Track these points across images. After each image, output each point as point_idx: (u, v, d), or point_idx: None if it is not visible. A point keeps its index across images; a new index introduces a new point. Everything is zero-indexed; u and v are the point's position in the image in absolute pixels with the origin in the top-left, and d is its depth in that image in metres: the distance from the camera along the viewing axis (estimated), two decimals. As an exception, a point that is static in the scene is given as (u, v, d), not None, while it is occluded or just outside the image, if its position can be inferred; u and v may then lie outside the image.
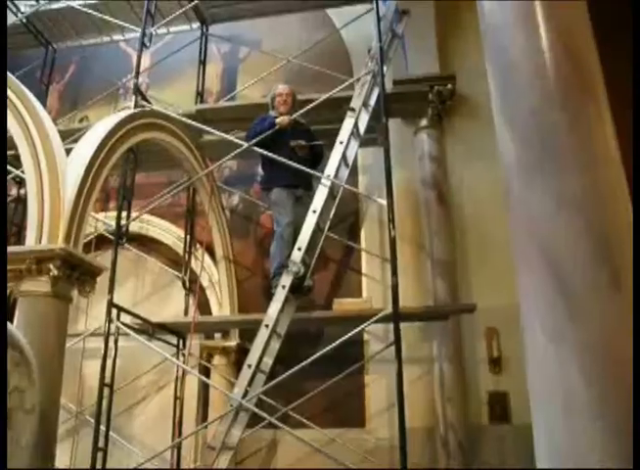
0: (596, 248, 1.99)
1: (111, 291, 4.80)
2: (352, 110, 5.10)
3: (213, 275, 6.30)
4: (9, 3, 7.03)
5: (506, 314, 4.99)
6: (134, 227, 6.21)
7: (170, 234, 6.78)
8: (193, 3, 6.47)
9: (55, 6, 6.93)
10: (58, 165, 4.16)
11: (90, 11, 6.59)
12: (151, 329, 5.52)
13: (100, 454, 4.48)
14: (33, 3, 7.13)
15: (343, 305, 5.16)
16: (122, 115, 4.83)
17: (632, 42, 3.13)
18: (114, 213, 6.00)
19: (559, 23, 2.36)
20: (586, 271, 1.97)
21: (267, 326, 4.49)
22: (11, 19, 6.91)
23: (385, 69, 5.12)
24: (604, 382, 1.84)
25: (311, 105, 5.09)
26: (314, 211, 4.71)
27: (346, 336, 4.39)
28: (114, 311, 4.83)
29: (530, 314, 2.12)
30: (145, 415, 6.27)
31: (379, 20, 5.27)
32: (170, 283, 6.58)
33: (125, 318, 5.09)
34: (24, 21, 7.11)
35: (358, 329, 4.48)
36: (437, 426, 5.40)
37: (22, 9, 7.16)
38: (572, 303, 1.96)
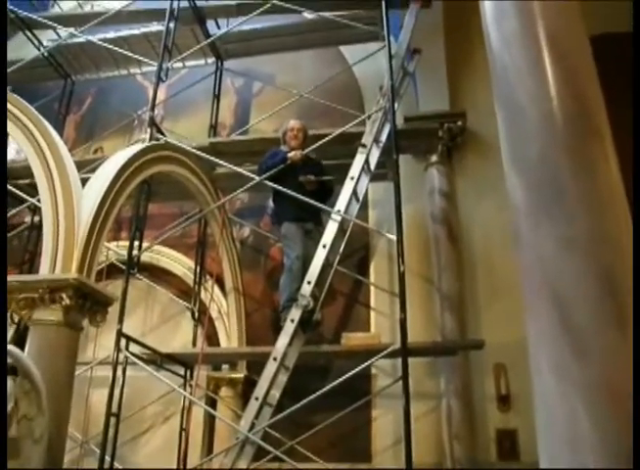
0: (601, 288, 2.03)
1: (120, 320, 4.82)
2: (364, 146, 5.16)
3: (222, 307, 6.31)
4: (31, 36, 7.25)
5: (515, 351, 4.97)
6: (145, 257, 6.25)
7: (181, 265, 6.83)
8: (209, 39, 6.64)
9: (76, 40, 7.12)
10: (73, 196, 4.24)
11: (109, 46, 6.74)
12: (159, 359, 5.53)
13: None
14: (55, 37, 7.33)
15: (352, 339, 5.16)
16: (138, 147, 4.93)
17: (632, 44, 3.17)
18: (125, 243, 6.09)
19: (567, 69, 2.43)
20: (592, 311, 2.01)
21: (275, 359, 4.50)
22: (33, 52, 7.11)
23: (396, 106, 5.21)
24: (610, 420, 1.86)
25: (324, 140, 5.15)
26: (324, 246, 4.74)
27: (354, 370, 4.39)
28: (124, 341, 4.86)
29: (538, 352, 2.15)
30: (150, 446, 6.25)
31: (391, 58, 5.36)
32: (179, 313, 6.62)
33: (134, 348, 5.11)
34: (46, 54, 7.29)
35: (366, 364, 4.48)
36: (445, 463, 5.35)
37: (45, 43, 7.37)
38: (579, 341, 1.99)
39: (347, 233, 4.90)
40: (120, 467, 5.25)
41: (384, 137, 5.26)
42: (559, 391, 1.99)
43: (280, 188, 4.99)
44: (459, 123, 6.27)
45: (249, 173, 5.20)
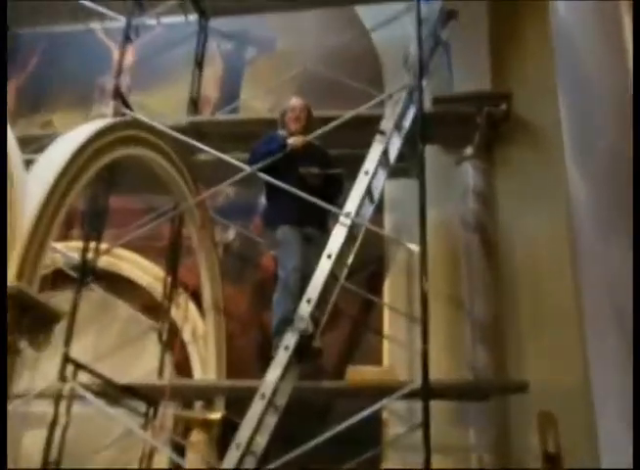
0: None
1: (67, 342, 4.82)
2: (382, 133, 5.18)
3: (198, 328, 6.33)
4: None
5: (567, 395, 4.97)
6: (102, 263, 6.18)
7: (147, 274, 6.84)
8: (191, -10, 6.67)
9: (17, -19, 7.09)
10: (14, 181, 4.22)
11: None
12: (115, 392, 5.50)
13: None
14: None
15: (360, 374, 5.18)
16: (99, 124, 4.93)
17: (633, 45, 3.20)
18: (77, 244, 6.05)
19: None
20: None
21: (263, 396, 4.48)
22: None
23: (424, 83, 5.21)
24: None
25: (332, 124, 5.17)
26: (329, 256, 4.75)
27: (361, 414, 4.38)
28: (70, 368, 4.85)
29: (604, 393, 2.13)
30: (101, 502, 6.23)
31: (420, 22, 5.38)
32: (143, 335, 6.58)
33: (83, 377, 5.09)
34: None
35: (377, 406, 4.48)
36: None
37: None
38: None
39: (358, 241, 4.92)
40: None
41: (407, 123, 5.30)
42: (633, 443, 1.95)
43: (276, 182, 5.00)
44: (502, 107, 6.27)
45: (237, 162, 5.20)
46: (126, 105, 5.62)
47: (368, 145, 5.19)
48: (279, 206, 5.23)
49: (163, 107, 7.06)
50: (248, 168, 5.12)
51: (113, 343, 6.71)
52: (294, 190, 4.93)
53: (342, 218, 4.89)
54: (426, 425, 4.14)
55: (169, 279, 6.47)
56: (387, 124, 5.24)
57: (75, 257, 5.56)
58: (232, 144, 5.98)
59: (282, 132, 5.41)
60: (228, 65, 7.82)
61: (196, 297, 6.34)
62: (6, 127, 4.29)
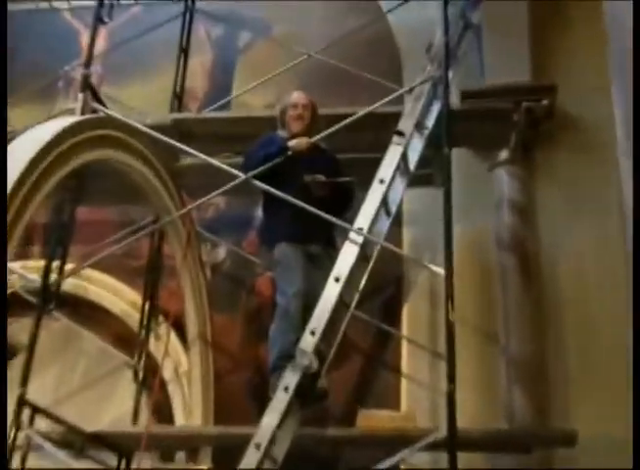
0: None
1: (24, 381, 4.81)
2: (400, 134, 5.16)
3: (181, 364, 6.31)
4: None
5: (621, 448, 4.91)
6: (66, 285, 6.23)
7: (121, 299, 6.86)
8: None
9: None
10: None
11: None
12: (80, 442, 5.48)
13: None
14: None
15: (374, 419, 5.17)
16: (64, 121, 4.92)
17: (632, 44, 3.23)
18: (37, 263, 6.06)
19: None
20: None
21: (258, 446, 4.46)
22: None
23: (451, 75, 5.22)
24: None
25: (342, 124, 5.19)
26: (337, 279, 4.72)
27: (377, 468, 4.33)
28: (27, 412, 4.82)
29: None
30: None
31: (446, 2, 5.39)
32: (115, 373, 6.60)
33: (42, 423, 5.07)
34: None
35: (395, 459, 4.43)
36: None
37: None
38: None
39: (372, 261, 4.90)
40: None
41: (430, 122, 5.30)
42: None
43: (275, 192, 5.00)
44: (544, 102, 6.27)
45: (229, 168, 5.20)
46: (97, 99, 5.63)
47: (384, 148, 5.17)
48: (278, 219, 5.21)
49: (142, 102, 7.09)
50: (242, 175, 5.12)
51: (78, 382, 6.75)
52: (296, 201, 4.91)
53: (352, 235, 4.86)
54: (453, 483, 4.13)
55: (147, 306, 6.47)
56: (406, 124, 5.23)
57: (35, 278, 5.55)
58: (223, 146, 6.03)
59: (282, 133, 5.40)
60: (218, 53, 7.90)
61: (179, 327, 6.33)
62: (6, 128, 4.32)
